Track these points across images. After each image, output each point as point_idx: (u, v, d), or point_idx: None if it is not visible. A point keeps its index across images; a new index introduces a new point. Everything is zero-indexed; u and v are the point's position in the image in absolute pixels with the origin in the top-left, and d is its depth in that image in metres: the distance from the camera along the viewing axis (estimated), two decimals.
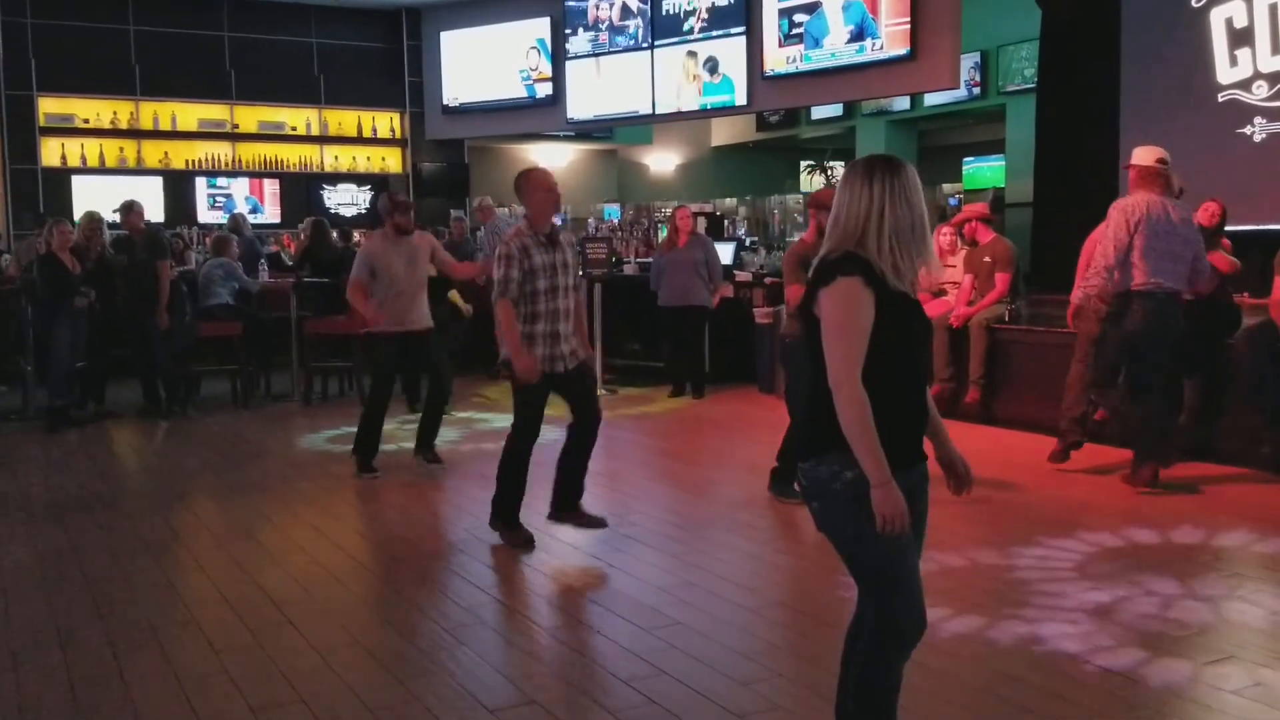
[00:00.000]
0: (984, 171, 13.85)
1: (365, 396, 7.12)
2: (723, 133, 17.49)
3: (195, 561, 5.09)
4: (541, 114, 13.29)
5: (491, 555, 5.00)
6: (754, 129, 16.88)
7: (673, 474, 6.87)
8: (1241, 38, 9.25)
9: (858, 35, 10.38)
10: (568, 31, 12.70)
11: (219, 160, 13.29)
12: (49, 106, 12.44)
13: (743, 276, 10.36)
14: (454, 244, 10.46)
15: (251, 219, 12.50)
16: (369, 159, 14.22)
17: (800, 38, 10.82)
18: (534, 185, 5.03)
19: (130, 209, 8.80)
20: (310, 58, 13.84)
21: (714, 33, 11.52)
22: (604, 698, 3.44)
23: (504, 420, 7.63)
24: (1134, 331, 5.75)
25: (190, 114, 13.11)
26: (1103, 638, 3.81)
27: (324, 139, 13.84)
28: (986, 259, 7.66)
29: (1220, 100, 9.43)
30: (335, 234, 10.98)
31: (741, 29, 11.32)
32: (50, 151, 12.45)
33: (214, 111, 13.23)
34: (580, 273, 5.85)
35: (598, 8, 12.44)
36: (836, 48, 10.58)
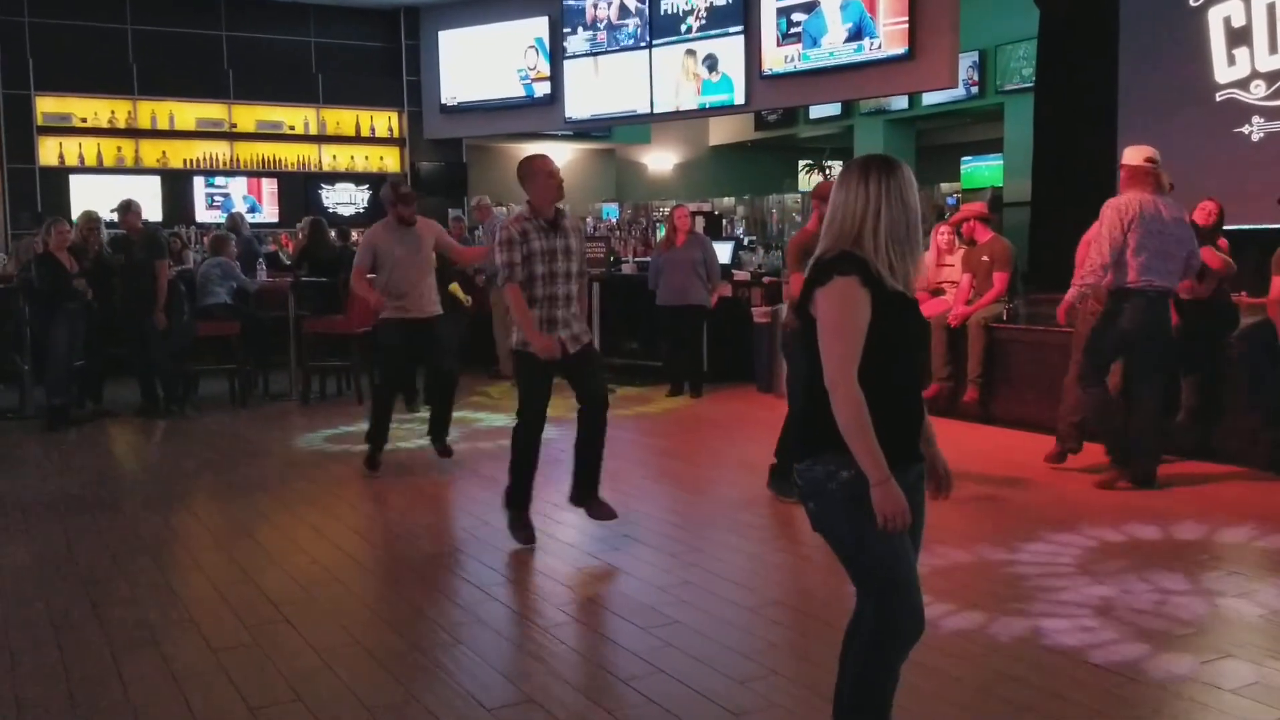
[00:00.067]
0: (982, 171, 13.84)
1: (363, 395, 7.12)
2: (721, 132, 17.49)
3: (194, 561, 5.08)
4: (540, 113, 13.29)
5: (491, 555, 4.99)
6: (752, 128, 16.88)
7: (671, 473, 6.87)
8: (1239, 37, 9.26)
9: (856, 34, 10.39)
10: (566, 31, 12.69)
11: (217, 159, 13.28)
12: (47, 106, 12.43)
13: (741, 276, 10.35)
14: None
15: (249, 218, 12.51)
16: (367, 158, 14.21)
17: (798, 37, 10.82)
18: (535, 170, 5.04)
19: (128, 208, 8.78)
20: (308, 57, 13.82)
21: (712, 32, 11.52)
22: (603, 697, 3.44)
23: (504, 419, 7.64)
24: (1127, 330, 5.77)
25: (188, 113, 13.10)
26: (1102, 634, 3.82)
27: (322, 138, 13.83)
28: (984, 258, 7.67)
29: (1218, 99, 9.44)
30: (333, 233, 10.99)
31: (740, 28, 11.31)
32: (48, 151, 12.44)
33: (212, 111, 13.22)
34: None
35: (596, 7, 12.44)
36: (835, 47, 10.58)
